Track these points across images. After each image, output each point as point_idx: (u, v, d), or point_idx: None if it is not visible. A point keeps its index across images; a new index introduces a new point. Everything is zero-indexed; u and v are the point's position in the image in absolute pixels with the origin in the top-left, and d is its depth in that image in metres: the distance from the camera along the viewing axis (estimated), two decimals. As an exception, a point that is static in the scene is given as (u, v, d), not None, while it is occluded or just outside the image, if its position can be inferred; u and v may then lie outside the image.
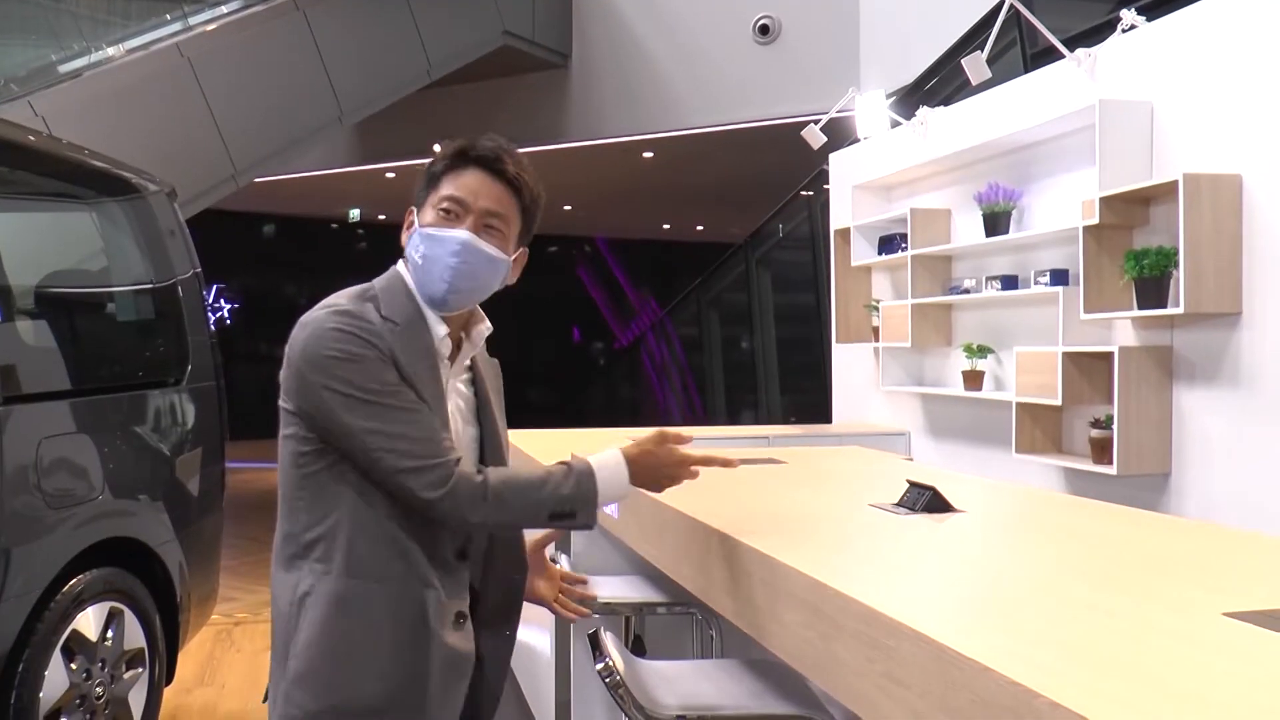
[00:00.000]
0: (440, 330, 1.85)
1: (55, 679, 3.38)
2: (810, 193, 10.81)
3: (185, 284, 4.39)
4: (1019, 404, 4.71)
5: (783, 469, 3.28)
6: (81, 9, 9.60)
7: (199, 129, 8.43)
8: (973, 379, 5.30)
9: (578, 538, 3.74)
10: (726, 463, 2.05)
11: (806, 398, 11.81)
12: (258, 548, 8.97)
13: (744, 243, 12.16)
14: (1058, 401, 4.43)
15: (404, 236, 1.91)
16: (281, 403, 1.81)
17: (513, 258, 1.92)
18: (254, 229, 18.58)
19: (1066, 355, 4.41)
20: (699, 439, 5.63)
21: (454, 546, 1.85)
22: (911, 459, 5.62)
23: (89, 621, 3.55)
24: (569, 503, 1.82)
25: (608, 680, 2.20)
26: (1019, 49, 6.53)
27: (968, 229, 5.46)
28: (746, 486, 2.87)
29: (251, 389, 7.87)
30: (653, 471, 1.93)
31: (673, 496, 2.47)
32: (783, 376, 11.60)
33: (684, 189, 15.74)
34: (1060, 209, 4.77)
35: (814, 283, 10.41)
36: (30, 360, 3.46)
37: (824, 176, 10.17)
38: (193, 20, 8.90)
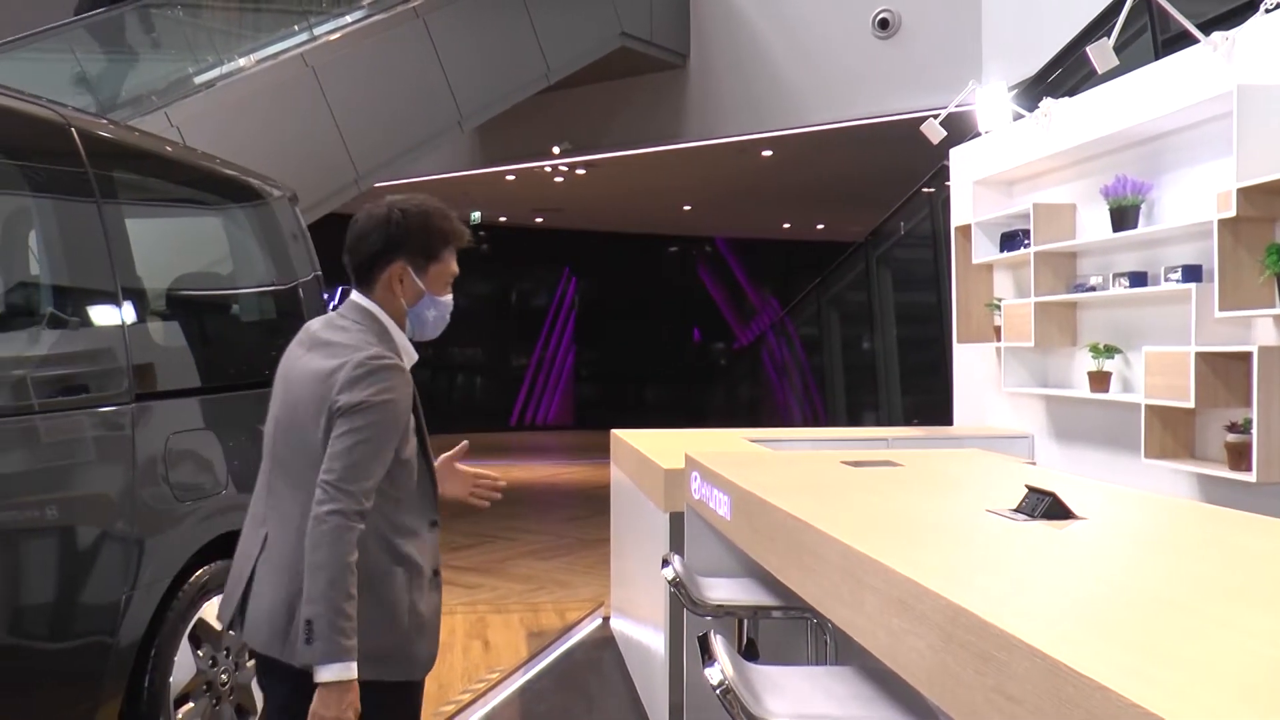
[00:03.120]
0: (411, 361, 2.39)
1: (184, 665, 3.50)
2: (932, 189, 10.59)
3: (306, 286, 4.51)
4: (1148, 406, 4.52)
5: (898, 472, 3.21)
6: (216, 24, 9.97)
7: (323, 135, 8.66)
8: (1099, 380, 5.10)
9: (690, 541, 3.72)
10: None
11: (928, 399, 11.56)
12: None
13: (864, 241, 11.98)
14: (1190, 404, 4.23)
15: (401, 287, 2.36)
16: None
17: None
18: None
19: (1200, 355, 4.21)
20: (818, 440, 5.54)
21: (427, 520, 2.38)
22: (1034, 463, 5.45)
23: (214, 611, 3.66)
24: (326, 629, 2.14)
25: (716, 685, 2.17)
26: (1149, 35, 6.27)
27: (1093, 224, 5.26)
28: (860, 490, 2.81)
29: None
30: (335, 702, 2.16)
31: (785, 499, 2.43)
32: (904, 377, 11.39)
33: (804, 187, 15.58)
34: (1193, 202, 4.56)
35: (935, 281, 10.18)
36: (160, 359, 3.59)
37: (945, 173, 9.97)
38: (318, 30, 9.17)
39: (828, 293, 13.41)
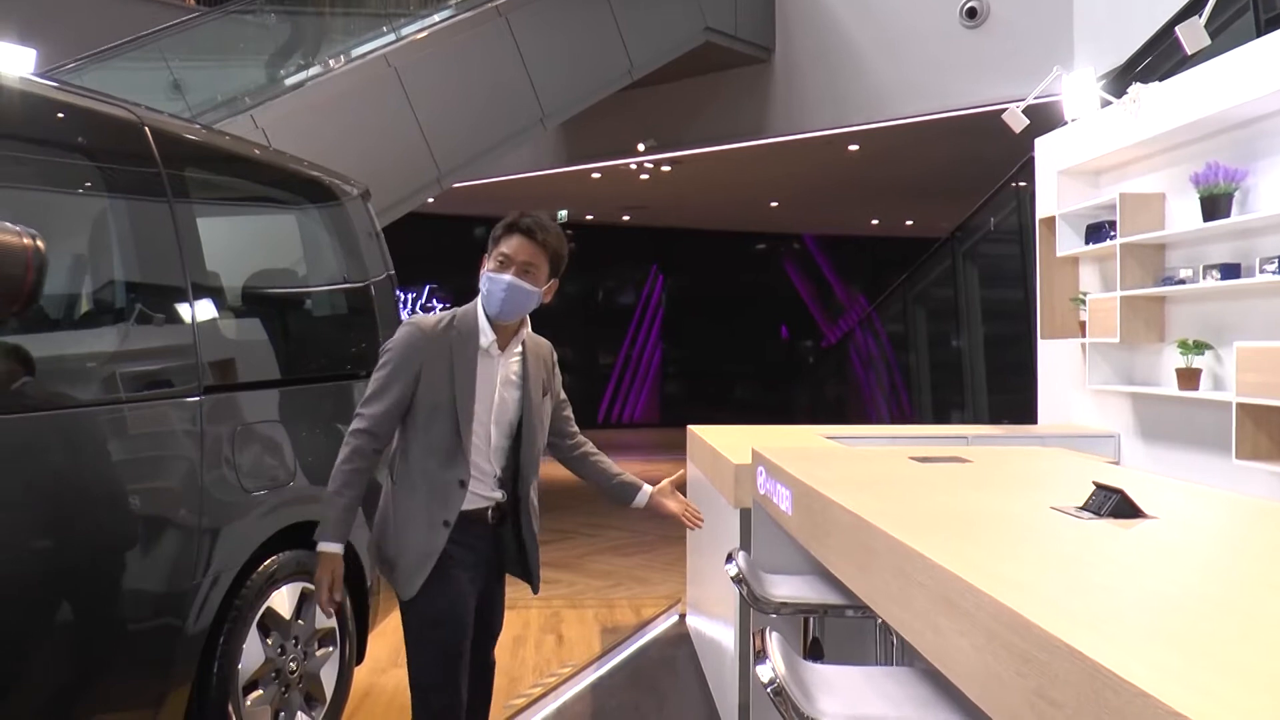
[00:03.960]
0: (487, 338, 2.94)
1: (252, 653, 3.55)
2: (1021, 183, 10.33)
3: (379, 285, 4.55)
4: (1240, 405, 4.33)
5: (965, 469, 3.12)
6: (303, 27, 10.17)
7: (405, 134, 8.76)
8: (1188, 378, 4.91)
9: (757, 536, 3.67)
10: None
11: (1014, 398, 11.28)
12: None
13: (951, 236, 11.74)
14: (1285, 401, 4.05)
15: (480, 274, 2.95)
16: None
17: (544, 288, 2.96)
18: (466, 231, 19.26)
19: (1295, 350, 4.03)
20: (896, 437, 5.44)
21: (456, 478, 2.90)
22: (1118, 463, 5.27)
23: (282, 600, 3.72)
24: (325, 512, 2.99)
25: (767, 683, 2.12)
26: (1252, 14, 6.02)
27: (1183, 214, 5.07)
28: (923, 486, 2.73)
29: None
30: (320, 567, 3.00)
31: (844, 494, 2.37)
32: (990, 375, 11.14)
33: (891, 182, 15.35)
34: (1290, 190, 4.36)
35: (1023, 277, 9.94)
36: (229, 354, 3.64)
37: (1032, 166, 9.72)
38: (401, 31, 9.28)
39: (914, 289, 13.18)
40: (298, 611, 3.78)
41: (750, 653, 4.01)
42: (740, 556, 3.14)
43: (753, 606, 2.96)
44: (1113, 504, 2.10)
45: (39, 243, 1.16)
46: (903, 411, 14.63)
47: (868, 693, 2.22)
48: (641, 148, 13.45)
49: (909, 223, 19.65)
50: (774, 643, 2.20)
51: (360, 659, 4.20)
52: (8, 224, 1.16)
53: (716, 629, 4.74)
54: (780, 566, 3.54)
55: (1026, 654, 1.39)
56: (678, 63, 11.64)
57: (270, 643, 3.64)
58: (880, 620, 3.04)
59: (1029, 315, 9.65)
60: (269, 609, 3.64)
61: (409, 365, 2.88)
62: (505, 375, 2.97)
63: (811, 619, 3.10)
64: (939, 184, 14.81)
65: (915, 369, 13.29)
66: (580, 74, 10.51)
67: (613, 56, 10.76)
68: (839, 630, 3.35)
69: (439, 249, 17.76)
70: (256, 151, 4.30)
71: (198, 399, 3.35)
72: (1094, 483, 2.23)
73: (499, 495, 3.01)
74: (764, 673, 2.09)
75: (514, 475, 3.03)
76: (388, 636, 5.48)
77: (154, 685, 3.22)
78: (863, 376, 16.50)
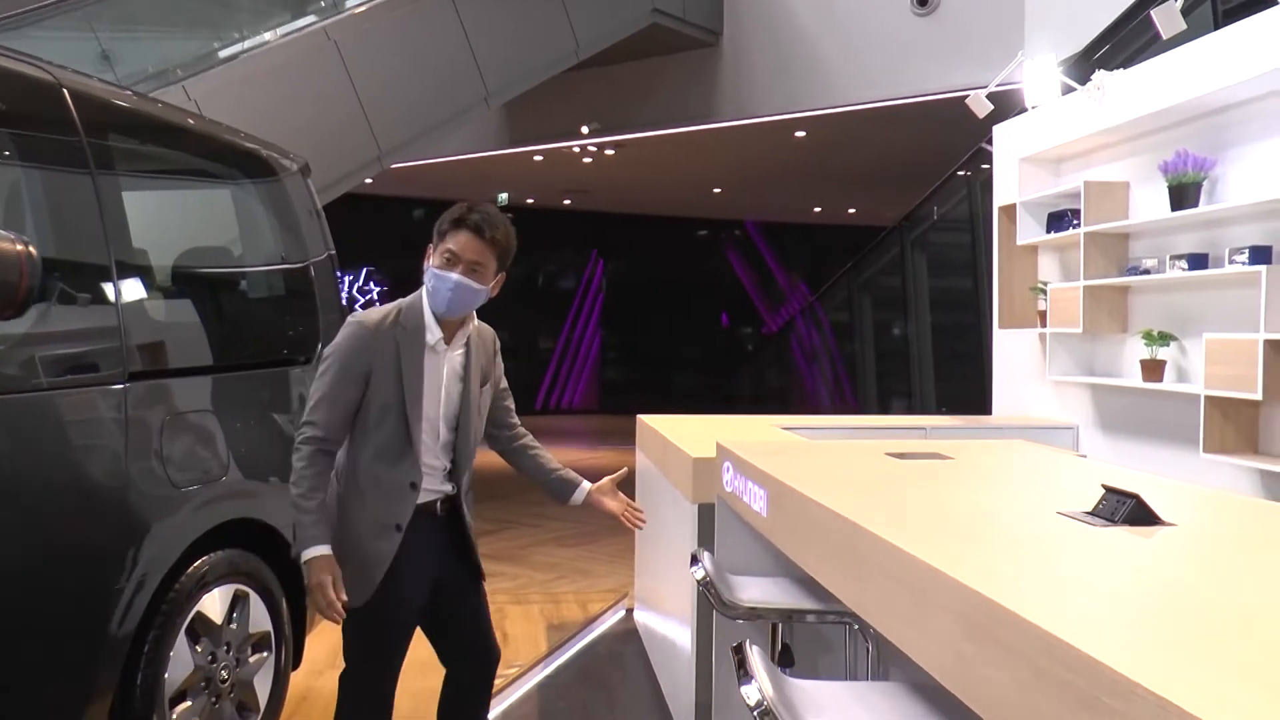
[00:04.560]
0: (434, 335, 2.83)
1: (180, 661, 3.30)
2: (967, 172, 10.29)
3: (318, 264, 4.30)
4: (1209, 398, 4.25)
5: (948, 466, 2.96)
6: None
7: (345, 111, 8.46)
8: (1152, 369, 4.83)
9: (722, 536, 3.49)
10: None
11: (961, 386, 11.29)
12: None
13: (899, 225, 11.69)
14: (1257, 395, 3.96)
15: (425, 266, 2.85)
16: None
17: (491, 285, 2.86)
18: (404, 213, 18.87)
19: (1269, 343, 3.93)
20: (854, 429, 5.29)
21: (407, 480, 2.82)
22: (1084, 455, 5.17)
23: (214, 604, 3.47)
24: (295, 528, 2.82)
25: (754, 705, 1.93)
26: (1209, 5, 5.96)
27: (1148, 203, 4.98)
28: (911, 486, 2.56)
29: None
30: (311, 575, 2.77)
31: (829, 495, 2.19)
32: (938, 364, 11.11)
33: (837, 169, 15.27)
34: (1260, 179, 4.27)
35: (973, 266, 9.90)
36: (157, 337, 3.38)
37: (984, 155, 9.66)
38: (345, 3, 8.95)
39: (860, 277, 13.12)
40: (229, 616, 3.54)
41: (710, 654, 3.84)
42: (706, 558, 2.96)
43: (720, 612, 2.78)
44: (1127, 510, 1.94)
45: (32, 249, 1.14)
46: (845, 400, 14.61)
47: (857, 710, 2.06)
48: (585, 130, 13.23)
49: (851, 211, 19.63)
50: (757, 659, 2.02)
51: (297, 664, 3.96)
52: (3, 231, 1.17)
53: (669, 627, 4.56)
54: (743, 567, 3.37)
55: (1092, 698, 1.20)
56: (624, 45, 11.43)
57: (200, 650, 3.39)
58: (855, 626, 2.89)
59: (979, 304, 9.62)
60: (199, 613, 3.39)
61: (358, 367, 2.77)
62: (451, 369, 2.90)
63: (779, 625, 2.93)
64: (885, 172, 14.76)
65: (860, 358, 13.24)
66: (526, 53, 10.25)
67: (559, 36, 10.52)
68: (807, 635, 3.19)
69: (377, 231, 17.39)
70: (190, 121, 4.02)
71: (122, 386, 3.09)
72: (1104, 486, 2.07)
73: (448, 488, 2.96)
74: (750, 693, 1.91)
75: (454, 467, 2.97)
76: (325, 637, 5.23)
77: (72, 695, 2.97)
78: (804, 365, 16.47)
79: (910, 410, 11.48)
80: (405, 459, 2.80)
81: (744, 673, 2.00)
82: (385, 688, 2.95)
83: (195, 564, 3.38)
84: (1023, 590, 1.49)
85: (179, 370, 3.43)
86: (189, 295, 3.75)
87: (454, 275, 2.77)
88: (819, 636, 3.24)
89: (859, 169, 15.11)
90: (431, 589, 2.95)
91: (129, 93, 3.66)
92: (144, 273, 3.38)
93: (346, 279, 18.48)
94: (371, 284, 18.68)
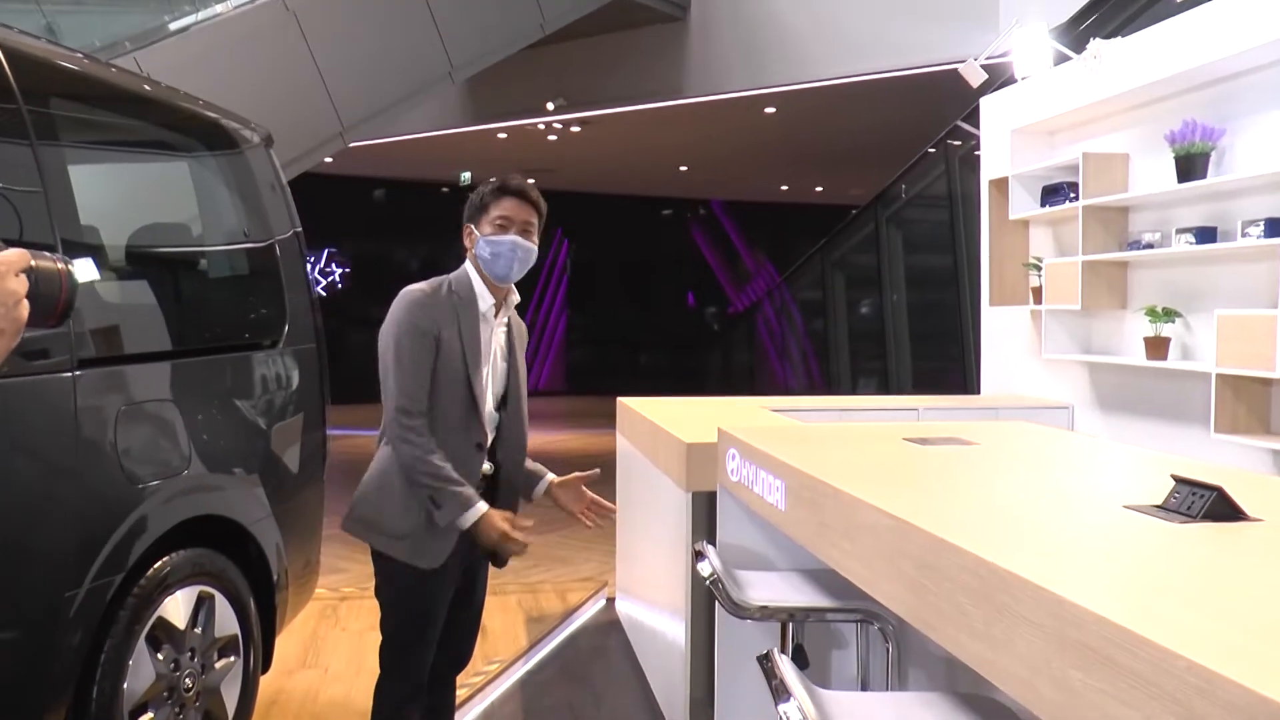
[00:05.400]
0: (486, 302, 2.92)
1: (141, 671, 3.05)
2: (933, 150, 10.10)
3: (283, 241, 4.02)
4: (1220, 376, 4.08)
5: (976, 453, 2.74)
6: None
7: (305, 85, 8.14)
8: (1156, 347, 4.66)
9: (724, 527, 3.28)
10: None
11: (938, 364, 11.14)
12: (368, 516, 8.73)
13: (872, 201, 11.50)
14: (1273, 373, 3.79)
15: (468, 244, 2.96)
16: None
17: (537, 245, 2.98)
18: (365, 193, 18.48)
19: (1287, 318, 3.76)
20: (844, 410, 5.09)
21: (472, 442, 2.87)
22: (1094, 436, 5.00)
23: (177, 607, 3.21)
24: (440, 502, 2.78)
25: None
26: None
27: (1149, 175, 4.81)
28: (946, 475, 2.35)
29: (362, 353, 7.62)
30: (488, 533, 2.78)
31: (859, 486, 1.98)
32: (914, 343, 10.95)
33: (807, 147, 15.08)
34: (1272, 149, 4.10)
35: (950, 243, 9.73)
36: (108, 321, 3.10)
37: (958, 132, 9.47)
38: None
39: (832, 255, 12.94)
40: (194, 619, 3.28)
41: (707, 647, 3.64)
42: (712, 553, 2.74)
43: (730, 612, 2.56)
44: (1208, 504, 1.74)
45: (71, 267, 1.45)
46: (813, 380, 14.45)
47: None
48: (551, 107, 12.95)
49: (818, 189, 19.48)
50: (791, 673, 1.81)
51: (266, 667, 3.71)
52: (45, 252, 1.43)
53: (659, 621, 4.35)
54: (750, 560, 3.16)
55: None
56: (590, 19, 11.14)
57: (162, 657, 3.14)
58: (874, 625, 2.68)
59: (958, 282, 9.46)
60: (160, 619, 3.13)
61: (429, 330, 2.82)
62: (498, 343, 2.97)
63: (790, 624, 2.72)
64: (857, 149, 14.61)
65: (832, 337, 13.07)
66: (490, 27, 9.95)
67: (524, 9, 10.23)
68: (818, 633, 2.98)
69: (337, 211, 17.02)
70: (145, 87, 3.72)
71: (70, 374, 2.82)
72: (1174, 477, 1.86)
73: (487, 468, 2.96)
74: (790, 713, 1.70)
75: (496, 447, 2.97)
76: (296, 634, 4.99)
77: (21, 710, 2.71)
78: (770, 345, 16.31)
79: (885, 388, 11.33)
80: (471, 424, 2.85)
81: (779, 687, 1.79)
82: (423, 675, 2.94)
83: (156, 565, 3.13)
84: (1129, 602, 1.28)
85: (134, 356, 3.15)
86: (143, 276, 3.47)
87: (511, 237, 2.88)
88: (828, 631, 3.03)
89: (830, 146, 14.94)
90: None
91: (78, 55, 3.36)
92: (93, 251, 3.10)
93: (309, 261, 18.08)
94: (333, 265, 18.28)
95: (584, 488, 3.10)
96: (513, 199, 2.92)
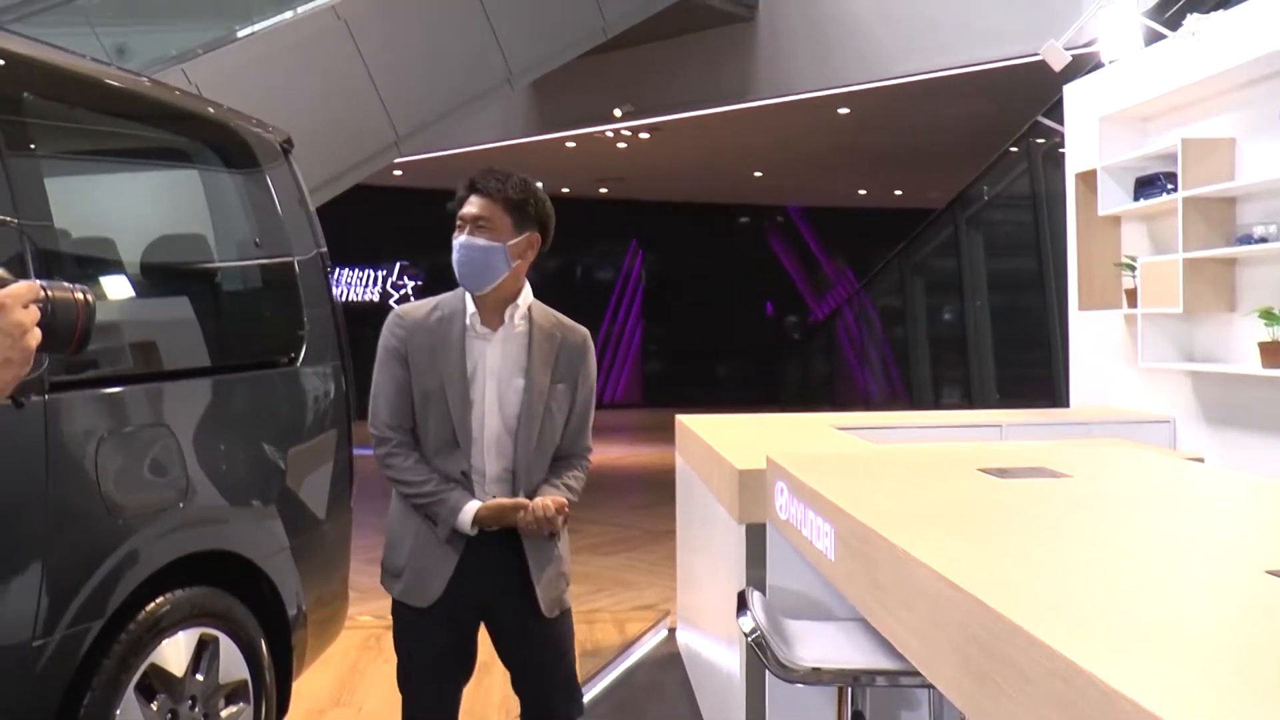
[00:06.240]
0: (470, 314, 2.66)
1: (131, 725, 2.77)
2: (1015, 149, 9.59)
3: (302, 251, 3.73)
4: (1349, 385, 3.59)
5: (1065, 487, 2.31)
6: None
7: (358, 95, 7.94)
8: (1272, 353, 4.16)
9: (775, 566, 2.91)
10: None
11: (1024, 372, 10.64)
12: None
13: (951, 204, 11.01)
14: None
15: None
16: None
17: (510, 243, 2.63)
18: (438, 205, 18.37)
19: None
20: (918, 428, 4.64)
21: (459, 469, 2.64)
22: (1201, 459, 4.50)
23: (175, 652, 2.92)
24: (433, 515, 2.63)
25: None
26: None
27: (1258, 161, 4.32)
28: (1029, 523, 1.92)
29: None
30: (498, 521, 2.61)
31: (920, 539, 1.59)
32: (997, 350, 10.43)
33: (883, 148, 14.60)
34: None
35: (1035, 244, 9.22)
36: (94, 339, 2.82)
37: (1039, 128, 8.97)
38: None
39: (911, 260, 12.45)
40: (194, 664, 2.99)
41: (763, 674, 3.25)
42: (757, 603, 2.35)
43: (776, 675, 2.18)
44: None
45: (89, 297, 1.46)
46: (894, 389, 13.99)
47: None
48: (618, 113, 12.67)
49: (898, 193, 18.95)
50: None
51: (282, 713, 3.42)
52: (64, 282, 1.45)
53: (714, 666, 3.98)
54: (798, 609, 2.76)
55: None
56: (656, 22, 10.81)
57: (156, 708, 2.85)
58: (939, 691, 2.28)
59: (1043, 285, 8.95)
60: (153, 665, 2.85)
61: (395, 352, 2.68)
62: (504, 357, 2.67)
63: (849, 688, 2.32)
64: (934, 149, 14.09)
65: (912, 344, 12.59)
66: (549, 31, 9.67)
67: (585, 12, 9.92)
68: (885, 694, 2.58)
69: (410, 223, 16.95)
70: (142, 88, 3.45)
71: (40, 398, 2.55)
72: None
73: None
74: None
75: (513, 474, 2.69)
76: (333, 667, 4.71)
77: (-13, 777, 2.44)
78: (851, 353, 15.86)
79: (968, 398, 10.83)
80: (456, 449, 2.63)
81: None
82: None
83: (149, 607, 2.84)
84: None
85: (120, 377, 2.88)
86: (136, 292, 3.19)
87: (461, 238, 2.63)
88: (893, 699, 2.62)
89: (907, 147, 14.46)
90: (480, 614, 2.74)
91: (53, 48, 3.09)
92: (72, 263, 2.84)
93: (379, 274, 18.03)
94: (405, 278, 18.21)
95: (552, 516, 2.64)
96: (466, 195, 2.67)
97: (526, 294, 2.70)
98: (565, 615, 2.80)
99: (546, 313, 2.74)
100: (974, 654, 1.32)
